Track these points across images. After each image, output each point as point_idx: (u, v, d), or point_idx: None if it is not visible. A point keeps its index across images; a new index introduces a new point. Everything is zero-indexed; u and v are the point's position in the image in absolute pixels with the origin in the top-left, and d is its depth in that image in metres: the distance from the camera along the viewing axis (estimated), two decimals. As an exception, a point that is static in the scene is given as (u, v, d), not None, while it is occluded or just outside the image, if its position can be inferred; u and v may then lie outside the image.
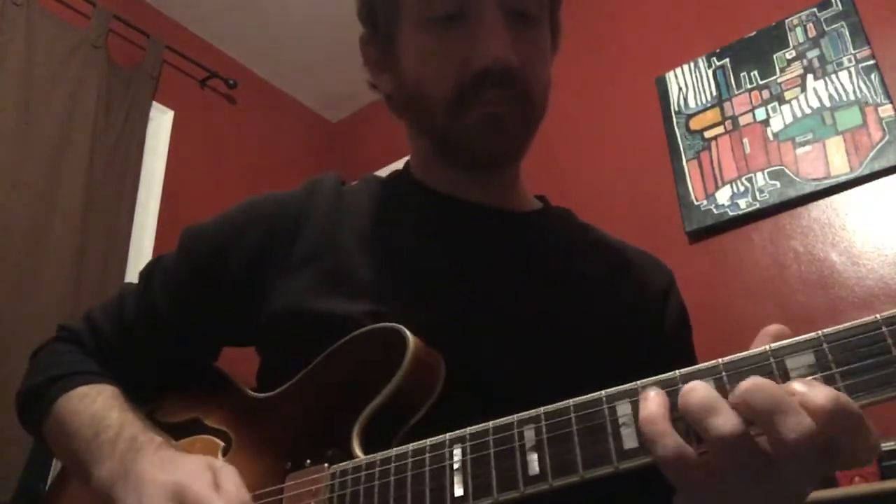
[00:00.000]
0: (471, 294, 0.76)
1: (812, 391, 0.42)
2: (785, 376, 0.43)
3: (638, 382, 0.47)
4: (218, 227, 0.85)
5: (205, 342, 0.87)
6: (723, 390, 0.44)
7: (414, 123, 0.85)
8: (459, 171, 0.83)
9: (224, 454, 0.75)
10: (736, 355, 0.45)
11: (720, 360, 0.45)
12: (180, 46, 3.05)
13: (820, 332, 0.43)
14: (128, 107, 2.76)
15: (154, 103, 2.89)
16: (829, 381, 0.42)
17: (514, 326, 0.74)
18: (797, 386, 0.42)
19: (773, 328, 0.47)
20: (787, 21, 2.36)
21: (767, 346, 0.44)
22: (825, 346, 0.43)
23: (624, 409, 0.46)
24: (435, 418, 0.64)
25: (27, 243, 2.31)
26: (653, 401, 0.45)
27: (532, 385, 0.71)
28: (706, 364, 0.46)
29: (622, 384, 0.75)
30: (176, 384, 0.87)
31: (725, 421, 0.42)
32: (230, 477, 0.63)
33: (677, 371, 0.46)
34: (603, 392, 0.48)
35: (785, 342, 0.44)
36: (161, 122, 2.97)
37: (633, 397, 0.47)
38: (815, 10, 2.31)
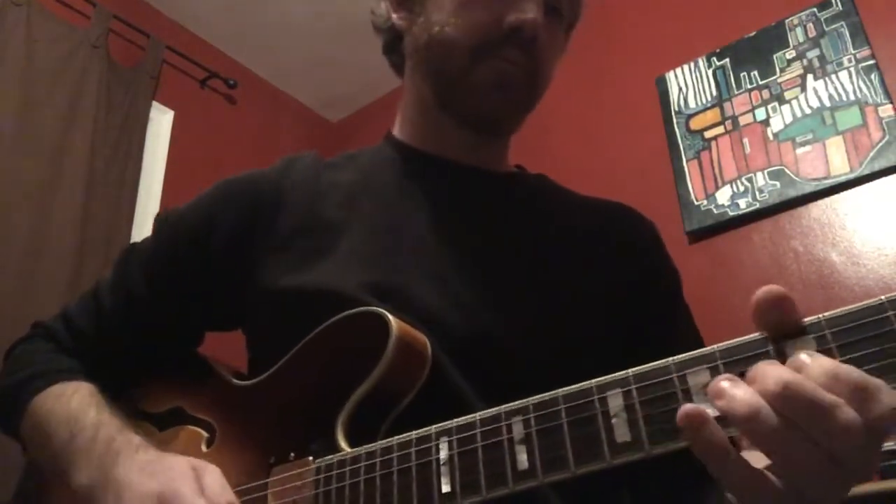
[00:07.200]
0: (463, 257, 0.76)
1: (834, 371, 0.40)
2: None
3: (630, 371, 0.45)
4: (196, 209, 0.84)
5: (186, 327, 0.86)
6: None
7: (423, 66, 0.85)
8: (451, 127, 0.83)
9: (208, 445, 0.73)
10: (731, 342, 0.43)
11: (715, 346, 0.44)
12: (180, 46, 3.05)
13: (821, 315, 0.41)
14: (128, 107, 2.76)
15: (154, 103, 2.89)
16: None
17: (508, 289, 0.74)
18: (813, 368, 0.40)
19: (769, 291, 0.43)
20: (787, 21, 2.35)
21: (765, 332, 0.43)
22: (827, 332, 0.41)
23: (615, 401, 0.44)
24: (428, 395, 0.63)
25: (27, 243, 2.30)
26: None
27: (528, 348, 0.70)
28: (700, 351, 0.44)
29: (618, 342, 0.71)
30: (158, 371, 0.85)
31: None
32: (214, 478, 0.61)
33: (670, 359, 0.45)
34: (593, 382, 0.46)
35: (785, 328, 0.42)
36: (161, 122, 2.97)
37: (626, 386, 0.45)
38: (815, 10, 2.30)
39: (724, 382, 0.41)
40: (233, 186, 0.84)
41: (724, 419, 0.41)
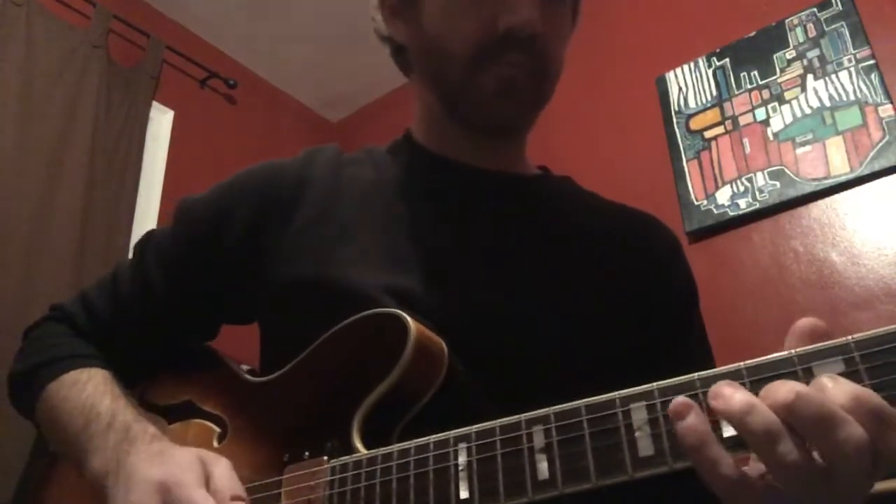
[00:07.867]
0: (479, 261, 0.75)
1: (857, 398, 0.39)
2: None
3: (654, 384, 0.45)
4: (214, 196, 0.84)
5: (201, 317, 0.85)
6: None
7: (425, 77, 0.83)
8: (464, 133, 0.82)
9: (220, 441, 0.73)
10: (759, 359, 0.43)
11: (742, 363, 0.43)
12: (180, 46, 3.04)
13: (850, 337, 0.40)
14: (128, 107, 2.75)
15: (154, 103, 2.88)
16: None
17: (521, 293, 0.73)
18: (834, 390, 0.40)
19: (805, 323, 0.43)
20: (787, 21, 2.35)
21: (794, 351, 0.42)
22: (855, 354, 0.40)
23: (639, 414, 0.44)
24: (440, 399, 0.63)
25: (27, 243, 2.29)
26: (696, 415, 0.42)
27: (540, 352, 0.69)
28: (726, 367, 0.43)
29: (628, 346, 0.71)
30: (169, 364, 0.85)
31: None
32: (223, 471, 0.61)
33: (696, 374, 0.44)
34: (616, 394, 0.46)
35: (812, 347, 0.42)
36: (161, 122, 2.96)
37: (650, 400, 0.44)
38: (815, 10, 2.30)
39: (723, 386, 0.42)
40: (252, 177, 0.83)
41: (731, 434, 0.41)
